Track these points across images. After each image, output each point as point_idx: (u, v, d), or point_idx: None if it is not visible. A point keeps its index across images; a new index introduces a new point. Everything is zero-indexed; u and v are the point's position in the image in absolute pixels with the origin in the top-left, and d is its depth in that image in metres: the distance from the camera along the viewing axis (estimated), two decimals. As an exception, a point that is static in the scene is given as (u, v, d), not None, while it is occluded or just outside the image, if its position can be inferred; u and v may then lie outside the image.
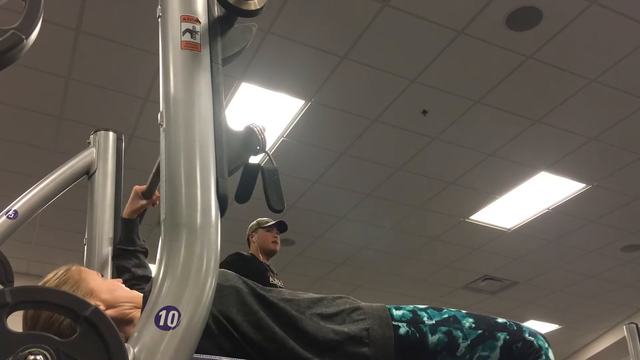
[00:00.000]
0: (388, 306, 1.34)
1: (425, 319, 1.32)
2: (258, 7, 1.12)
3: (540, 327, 8.38)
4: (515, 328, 1.36)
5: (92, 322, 0.80)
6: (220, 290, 1.26)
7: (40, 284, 1.23)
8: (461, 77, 4.27)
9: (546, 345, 1.37)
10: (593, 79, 4.24)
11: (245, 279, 1.34)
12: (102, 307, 1.17)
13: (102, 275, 1.54)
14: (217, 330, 1.23)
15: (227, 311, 1.24)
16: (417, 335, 1.29)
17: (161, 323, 0.88)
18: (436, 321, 1.32)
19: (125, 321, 1.23)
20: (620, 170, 5.22)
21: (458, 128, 4.75)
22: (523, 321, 8.22)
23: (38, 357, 0.76)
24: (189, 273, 0.93)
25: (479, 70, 4.21)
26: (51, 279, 1.23)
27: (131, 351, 0.85)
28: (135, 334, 0.89)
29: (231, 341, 1.24)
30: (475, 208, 5.87)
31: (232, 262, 3.40)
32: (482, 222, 6.10)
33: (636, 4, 3.67)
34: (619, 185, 5.42)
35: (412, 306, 1.35)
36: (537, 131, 4.76)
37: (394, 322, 1.29)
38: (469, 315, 1.36)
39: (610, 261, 6.74)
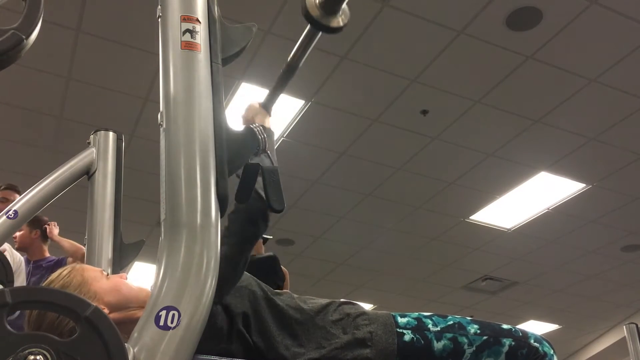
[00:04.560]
0: (393, 313, 1.36)
1: (430, 325, 1.33)
2: (342, 25, 1.20)
3: (540, 327, 8.38)
4: (521, 334, 1.37)
5: (92, 322, 0.80)
6: (238, 289, 1.27)
7: (44, 284, 1.22)
8: (461, 77, 4.27)
9: (551, 352, 1.37)
10: (593, 79, 4.24)
11: (259, 281, 1.36)
12: (106, 311, 1.16)
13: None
14: (232, 327, 1.24)
15: (243, 309, 1.26)
16: (422, 342, 1.30)
17: (161, 323, 0.88)
18: (441, 328, 1.33)
19: (131, 322, 1.22)
20: (620, 170, 5.22)
21: (458, 128, 4.75)
22: (523, 321, 8.23)
23: (38, 357, 0.76)
24: (189, 273, 0.94)
25: (479, 70, 4.21)
26: (55, 280, 1.22)
27: (131, 351, 0.85)
28: (135, 334, 0.89)
29: (242, 340, 1.25)
30: (475, 208, 5.87)
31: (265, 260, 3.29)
32: (482, 222, 6.10)
33: (636, 4, 3.67)
34: (619, 185, 5.42)
35: (417, 313, 1.37)
36: (537, 131, 4.76)
37: (398, 329, 1.31)
38: (474, 321, 1.37)
39: (610, 261, 6.74)
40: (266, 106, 1.47)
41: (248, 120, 1.47)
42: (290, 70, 1.41)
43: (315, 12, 1.19)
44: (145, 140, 4.68)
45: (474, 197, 5.69)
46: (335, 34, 1.22)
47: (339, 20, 1.21)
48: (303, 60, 1.38)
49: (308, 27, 1.25)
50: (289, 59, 1.39)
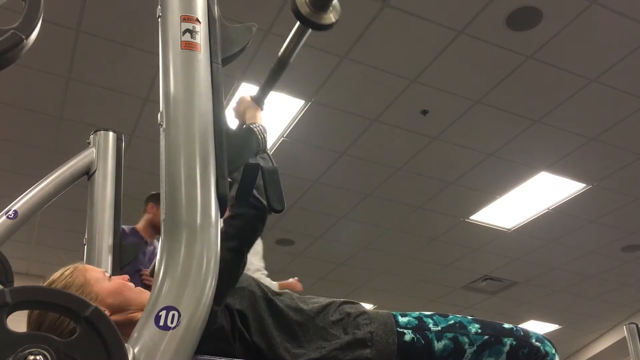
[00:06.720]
0: (394, 313, 1.35)
1: (430, 325, 1.32)
2: (332, 22, 1.20)
3: (540, 327, 8.38)
4: (522, 334, 1.36)
5: (92, 322, 0.80)
6: (238, 290, 1.27)
7: (45, 284, 1.22)
8: (461, 77, 4.27)
9: (553, 352, 1.37)
10: (593, 79, 4.24)
11: (259, 281, 1.35)
12: (107, 313, 1.16)
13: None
14: (233, 326, 1.24)
15: (242, 308, 1.26)
16: (423, 341, 1.30)
17: (161, 323, 0.88)
18: (442, 327, 1.32)
19: (131, 324, 1.22)
20: (620, 170, 5.22)
21: (458, 128, 4.75)
22: (523, 321, 8.22)
23: (38, 357, 0.76)
24: (189, 273, 0.93)
25: (479, 70, 4.21)
26: (57, 280, 1.22)
27: (131, 351, 0.85)
28: (135, 334, 0.89)
29: (242, 340, 1.25)
30: (475, 208, 5.86)
31: None
32: (482, 222, 6.10)
33: (636, 4, 3.67)
34: (619, 185, 5.42)
35: (417, 313, 1.36)
36: (537, 131, 4.76)
37: (398, 329, 1.30)
38: (475, 321, 1.36)
39: (610, 261, 6.73)
40: (258, 100, 1.45)
41: (239, 113, 1.46)
42: (280, 65, 1.42)
43: (304, 9, 1.19)
44: (145, 140, 4.68)
45: (474, 197, 5.68)
46: (325, 30, 1.22)
47: (330, 17, 1.21)
48: (293, 56, 1.39)
49: (297, 23, 1.25)
50: (279, 54, 1.40)
